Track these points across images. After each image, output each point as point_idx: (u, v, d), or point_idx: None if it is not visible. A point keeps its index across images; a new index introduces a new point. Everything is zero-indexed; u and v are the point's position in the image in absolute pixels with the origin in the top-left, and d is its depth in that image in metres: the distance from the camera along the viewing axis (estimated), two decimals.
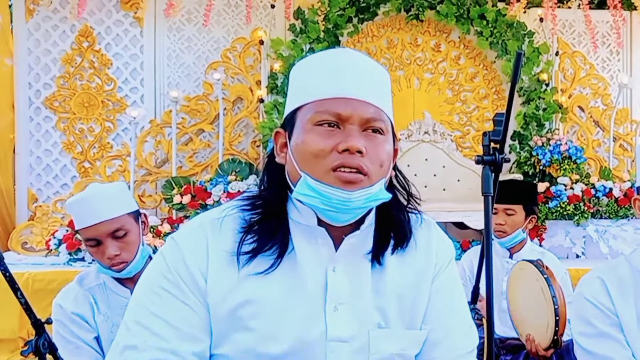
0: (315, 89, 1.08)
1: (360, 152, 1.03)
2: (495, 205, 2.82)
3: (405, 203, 1.18)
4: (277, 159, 1.13)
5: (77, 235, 2.03)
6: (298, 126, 1.08)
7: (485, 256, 1.47)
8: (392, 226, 1.14)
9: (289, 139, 1.10)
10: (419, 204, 1.19)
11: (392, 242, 1.13)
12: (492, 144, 1.51)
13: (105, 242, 1.90)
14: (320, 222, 1.09)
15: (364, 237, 1.12)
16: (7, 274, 1.61)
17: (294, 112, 1.11)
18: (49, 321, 1.76)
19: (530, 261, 2.46)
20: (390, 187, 1.15)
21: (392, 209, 1.15)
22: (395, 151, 1.15)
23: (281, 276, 1.06)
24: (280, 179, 1.12)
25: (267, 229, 1.08)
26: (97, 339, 1.96)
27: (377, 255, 1.12)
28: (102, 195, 1.94)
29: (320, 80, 1.08)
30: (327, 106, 1.05)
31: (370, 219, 1.13)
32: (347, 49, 1.15)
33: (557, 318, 2.25)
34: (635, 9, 5.62)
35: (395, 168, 1.17)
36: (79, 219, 1.92)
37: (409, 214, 1.18)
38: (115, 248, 1.91)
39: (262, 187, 1.15)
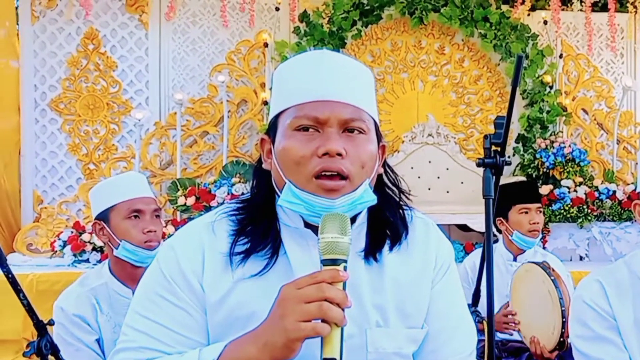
0: (294, 94, 1.08)
1: (340, 154, 1.03)
2: (528, 205, 2.82)
3: (397, 200, 1.17)
4: (263, 165, 1.14)
5: (97, 222, 2.09)
6: (280, 132, 1.09)
7: (486, 258, 1.48)
8: (386, 225, 1.14)
9: (273, 145, 1.11)
10: (409, 199, 1.18)
11: (387, 240, 1.13)
12: (493, 147, 1.52)
13: (145, 217, 2.04)
14: (308, 224, 1.10)
15: (356, 235, 1.10)
16: (10, 276, 1.62)
17: (276, 118, 1.11)
18: (51, 323, 1.77)
19: (537, 263, 2.46)
20: (380, 186, 1.15)
21: (384, 208, 1.14)
22: (383, 148, 1.15)
23: (275, 278, 1.05)
24: (269, 183, 1.13)
25: (259, 231, 1.09)
26: (98, 341, 1.98)
27: (372, 254, 1.11)
28: (141, 177, 2.16)
29: (297, 84, 1.08)
30: (305, 110, 1.05)
31: (362, 218, 1.13)
32: (325, 50, 1.13)
33: (564, 320, 2.25)
34: (636, 11, 5.61)
35: (384, 165, 1.16)
36: (122, 191, 2.04)
37: (403, 211, 1.17)
38: (153, 226, 2.04)
39: (253, 193, 1.16)
